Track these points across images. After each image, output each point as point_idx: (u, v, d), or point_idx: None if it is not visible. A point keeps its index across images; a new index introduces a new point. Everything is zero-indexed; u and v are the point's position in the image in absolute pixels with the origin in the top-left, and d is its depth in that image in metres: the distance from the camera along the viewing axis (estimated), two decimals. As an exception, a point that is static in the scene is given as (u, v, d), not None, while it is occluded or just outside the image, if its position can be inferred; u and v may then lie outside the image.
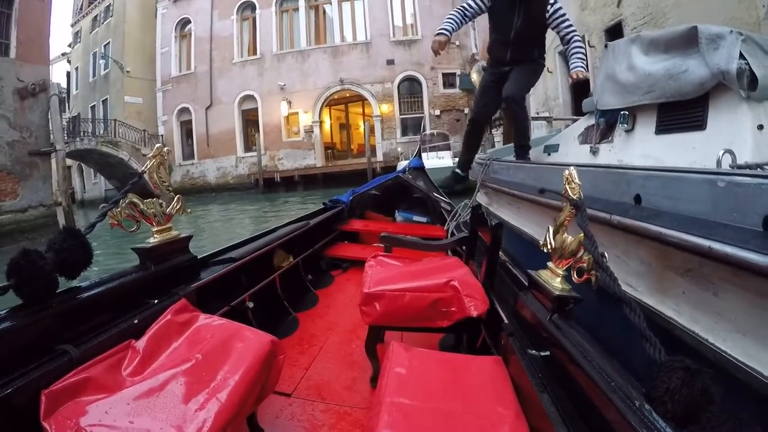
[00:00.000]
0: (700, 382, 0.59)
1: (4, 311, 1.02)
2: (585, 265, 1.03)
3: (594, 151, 2.94)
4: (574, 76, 2.93)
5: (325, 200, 3.94)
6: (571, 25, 3.06)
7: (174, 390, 0.96)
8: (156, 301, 1.40)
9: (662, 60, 2.38)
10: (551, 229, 1.16)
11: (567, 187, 1.11)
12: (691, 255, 1.37)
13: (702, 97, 2.13)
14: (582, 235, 1.02)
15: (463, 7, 3.28)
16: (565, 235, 1.13)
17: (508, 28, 3.18)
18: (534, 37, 3.22)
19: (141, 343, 1.15)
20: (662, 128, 2.38)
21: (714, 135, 2.04)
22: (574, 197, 1.08)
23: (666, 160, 2.23)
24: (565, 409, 0.89)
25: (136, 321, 1.27)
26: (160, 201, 1.60)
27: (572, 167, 1.12)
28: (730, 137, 1.94)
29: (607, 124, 2.89)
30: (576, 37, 3.04)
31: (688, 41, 2.22)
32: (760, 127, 1.91)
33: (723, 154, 1.70)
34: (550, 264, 1.16)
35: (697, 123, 2.15)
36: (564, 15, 3.03)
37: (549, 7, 3.01)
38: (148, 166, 1.57)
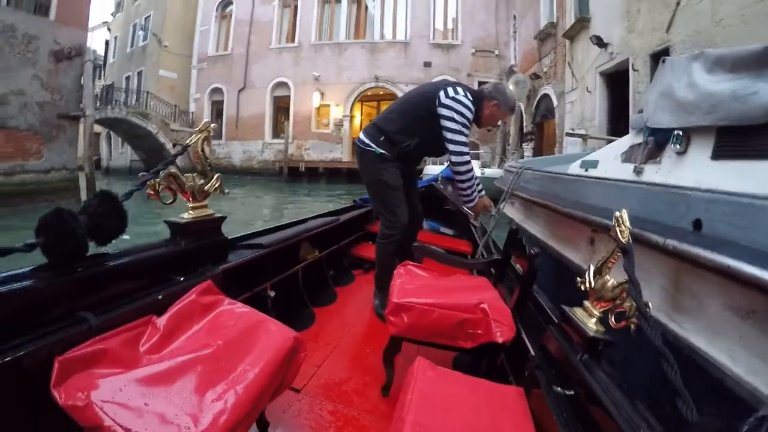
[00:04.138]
0: None
1: (27, 269, 0.99)
2: (626, 311, 1.01)
3: (638, 171, 2.72)
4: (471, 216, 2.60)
5: (356, 198, 4.00)
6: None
7: (192, 375, 0.93)
8: (182, 278, 1.38)
9: (728, 80, 2.16)
10: (592, 268, 1.14)
11: (616, 230, 1.07)
12: (759, 294, 1.19)
13: (772, 124, 1.91)
14: (626, 280, 1.00)
15: None
16: (607, 276, 1.11)
17: None
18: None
19: (162, 321, 1.12)
20: (720, 154, 2.15)
21: (785, 166, 1.81)
22: (623, 241, 1.06)
23: (723, 189, 2.01)
24: None
25: (160, 297, 1.24)
26: (200, 178, 1.58)
27: (624, 210, 1.07)
28: (806, 170, 1.71)
29: (656, 143, 2.66)
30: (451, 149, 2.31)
31: (760, 61, 1.99)
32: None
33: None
34: (586, 303, 1.14)
35: (765, 151, 1.93)
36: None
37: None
38: (193, 140, 1.54)
